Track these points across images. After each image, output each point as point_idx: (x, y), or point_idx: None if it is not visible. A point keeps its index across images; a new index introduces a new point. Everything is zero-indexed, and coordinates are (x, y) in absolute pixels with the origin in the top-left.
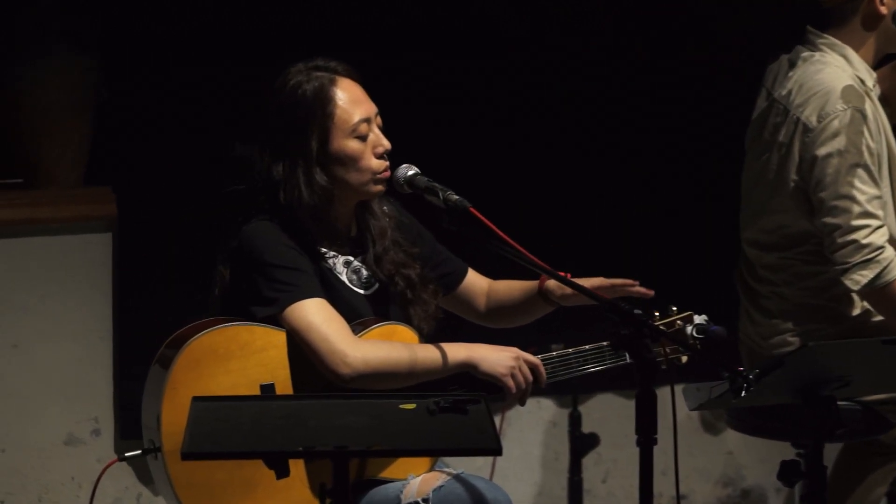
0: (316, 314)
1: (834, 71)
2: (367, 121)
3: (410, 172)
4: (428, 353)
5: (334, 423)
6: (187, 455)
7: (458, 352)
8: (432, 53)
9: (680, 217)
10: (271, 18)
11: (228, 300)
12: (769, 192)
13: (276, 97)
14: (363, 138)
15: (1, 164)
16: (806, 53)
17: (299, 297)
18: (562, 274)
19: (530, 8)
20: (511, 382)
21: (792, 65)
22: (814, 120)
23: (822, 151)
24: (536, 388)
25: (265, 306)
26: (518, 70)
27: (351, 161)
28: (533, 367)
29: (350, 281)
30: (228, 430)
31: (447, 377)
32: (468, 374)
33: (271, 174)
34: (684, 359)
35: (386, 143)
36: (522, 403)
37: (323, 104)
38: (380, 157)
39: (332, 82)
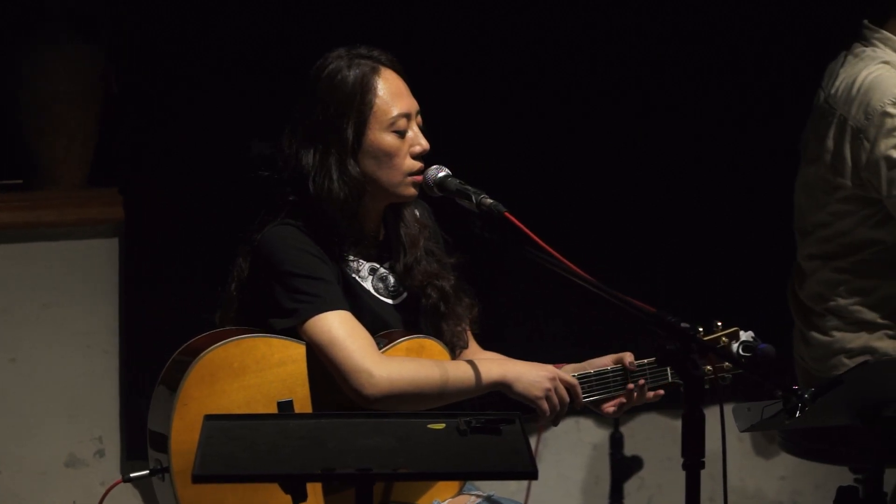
0: (339, 328)
1: (881, 67)
2: (407, 116)
3: (441, 174)
4: (459, 372)
5: (357, 444)
6: (199, 477)
7: (492, 370)
8: (429, 49)
9: (724, 228)
10: (290, 12)
11: (245, 301)
12: (823, 200)
13: (313, 81)
14: (401, 135)
15: None
16: (858, 49)
17: (321, 308)
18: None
19: (531, 7)
20: (546, 406)
21: (842, 62)
22: (862, 119)
23: (882, 149)
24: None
25: (284, 318)
26: (518, 68)
27: (385, 156)
28: (569, 388)
29: (376, 289)
30: (243, 450)
31: (478, 396)
32: (499, 393)
33: (300, 163)
34: (728, 378)
35: (424, 144)
36: (556, 424)
37: (363, 92)
38: (416, 157)
39: (375, 71)
